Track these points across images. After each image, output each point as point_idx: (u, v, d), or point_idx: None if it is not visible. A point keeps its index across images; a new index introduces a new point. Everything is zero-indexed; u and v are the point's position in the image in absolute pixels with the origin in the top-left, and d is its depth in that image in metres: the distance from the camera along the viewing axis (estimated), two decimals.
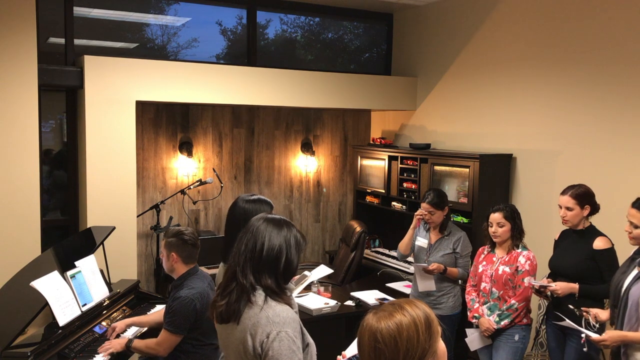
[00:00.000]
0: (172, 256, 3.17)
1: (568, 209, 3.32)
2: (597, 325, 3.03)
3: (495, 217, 3.57)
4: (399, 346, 1.42)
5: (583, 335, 3.00)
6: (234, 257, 1.97)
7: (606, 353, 3.49)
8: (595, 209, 3.33)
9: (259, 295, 1.90)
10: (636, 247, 2.91)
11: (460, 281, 4.06)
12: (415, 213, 4.13)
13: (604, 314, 3.02)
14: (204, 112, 5.69)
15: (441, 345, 1.50)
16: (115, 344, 3.18)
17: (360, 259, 5.23)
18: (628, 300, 2.73)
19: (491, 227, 3.59)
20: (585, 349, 3.05)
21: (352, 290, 4.58)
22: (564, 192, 3.37)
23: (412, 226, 4.18)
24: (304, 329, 1.99)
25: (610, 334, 2.77)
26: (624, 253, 3.07)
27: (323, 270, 4.33)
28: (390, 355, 1.43)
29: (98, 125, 4.50)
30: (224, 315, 1.93)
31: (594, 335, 2.86)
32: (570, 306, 3.22)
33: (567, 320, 3.13)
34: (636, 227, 2.78)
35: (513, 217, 3.56)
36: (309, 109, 6.12)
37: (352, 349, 1.83)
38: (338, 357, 1.87)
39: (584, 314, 3.09)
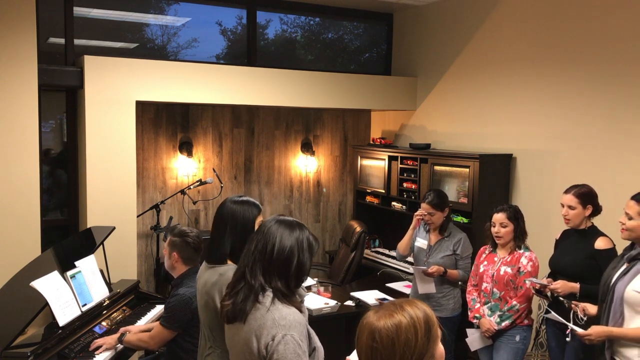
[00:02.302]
0: (174, 256, 3.21)
1: (570, 207, 3.32)
2: (585, 319, 3.02)
3: (499, 217, 3.54)
4: (396, 348, 1.42)
5: (569, 328, 3.00)
6: (243, 257, 1.95)
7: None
8: (597, 209, 3.32)
9: (267, 296, 1.88)
10: (628, 243, 2.91)
11: (460, 282, 4.05)
12: (415, 213, 4.09)
13: (592, 308, 2.99)
14: (204, 112, 5.69)
15: (440, 348, 1.49)
16: (108, 338, 3.25)
17: (360, 259, 5.22)
18: (614, 295, 2.73)
19: (494, 227, 3.56)
20: (568, 339, 3.06)
21: (352, 290, 4.58)
22: (567, 191, 3.37)
23: (411, 226, 4.13)
24: (312, 332, 1.96)
25: (596, 329, 2.76)
26: None
27: None
28: (386, 356, 1.42)
29: (98, 125, 4.50)
30: (230, 315, 1.92)
31: (579, 330, 2.85)
32: (561, 298, 3.23)
33: (553, 313, 3.15)
34: (630, 218, 2.78)
35: (516, 218, 3.53)
36: (309, 109, 6.11)
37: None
38: None
39: (573, 306, 3.09)
